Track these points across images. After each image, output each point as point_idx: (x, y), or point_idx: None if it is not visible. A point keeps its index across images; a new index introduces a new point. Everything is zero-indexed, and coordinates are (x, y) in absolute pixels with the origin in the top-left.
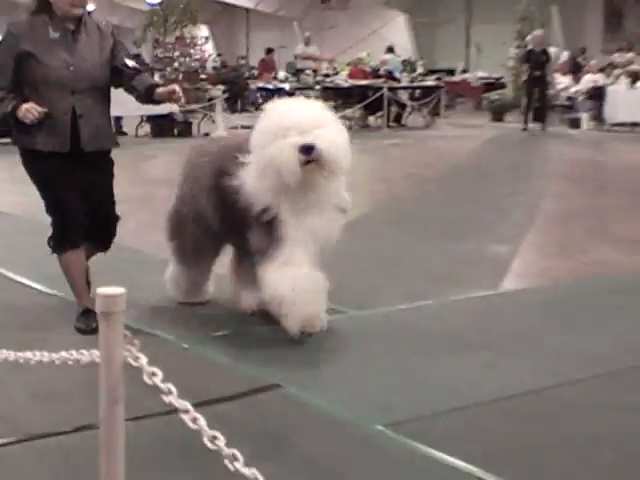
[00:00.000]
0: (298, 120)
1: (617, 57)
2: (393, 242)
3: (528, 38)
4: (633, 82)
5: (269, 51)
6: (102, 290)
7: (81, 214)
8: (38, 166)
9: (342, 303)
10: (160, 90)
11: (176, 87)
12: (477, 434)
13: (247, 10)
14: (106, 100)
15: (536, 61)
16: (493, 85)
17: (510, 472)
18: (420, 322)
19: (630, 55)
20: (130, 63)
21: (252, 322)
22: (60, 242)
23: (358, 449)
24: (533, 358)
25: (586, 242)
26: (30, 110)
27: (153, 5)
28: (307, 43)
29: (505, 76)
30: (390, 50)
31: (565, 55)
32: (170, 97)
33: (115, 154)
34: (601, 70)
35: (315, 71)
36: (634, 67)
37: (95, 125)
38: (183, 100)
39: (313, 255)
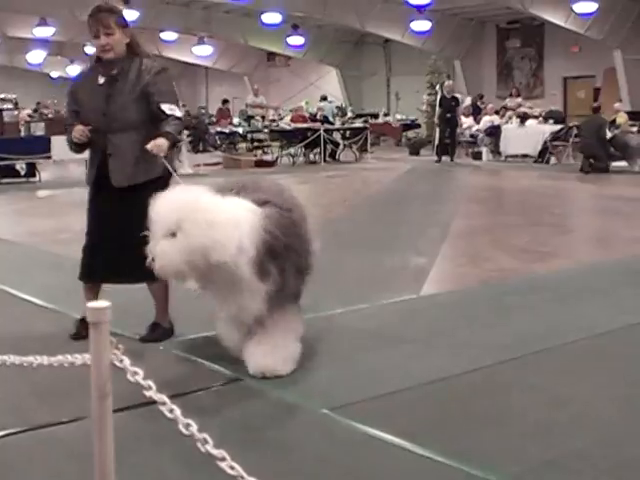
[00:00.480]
0: (163, 216)
1: (508, 101)
2: (329, 256)
3: (437, 87)
4: (522, 122)
5: (225, 101)
6: (91, 304)
7: (103, 248)
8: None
9: None
10: (150, 143)
11: (159, 141)
12: (405, 414)
13: (206, 68)
14: (141, 136)
15: (447, 105)
16: (410, 126)
17: (433, 443)
18: (355, 323)
19: (518, 100)
20: (166, 108)
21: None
22: (79, 274)
23: (308, 430)
24: (448, 349)
25: (489, 252)
26: (77, 130)
27: None
28: (256, 94)
29: (419, 118)
30: (324, 98)
31: (468, 100)
32: (152, 148)
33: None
34: (496, 112)
35: (263, 117)
36: (522, 109)
37: (125, 162)
38: (162, 154)
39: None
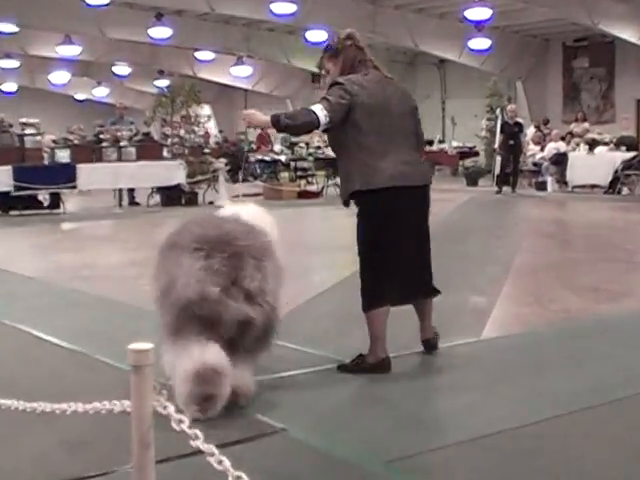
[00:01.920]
0: None
1: (574, 127)
2: None
3: (497, 111)
4: (590, 149)
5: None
6: (133, 346)
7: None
8: None
9: (341, 353)
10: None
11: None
12: (465, 468)
13: (245, 90)
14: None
15: (510, 131)
16: (467, 153)
17: None
18: (410, 368)
19: (586, 125)
20: None
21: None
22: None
23: None
24: (513, 398)
25: (555, 291)
26: None
27: (162, 89)
28: None
29: (477, 145)
30: None
31: (531, 128)
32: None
33: (127, 222)
34: (562, 138)
35: (307, 144)
36: (591, 135)
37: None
38: (250, 126)
39: None
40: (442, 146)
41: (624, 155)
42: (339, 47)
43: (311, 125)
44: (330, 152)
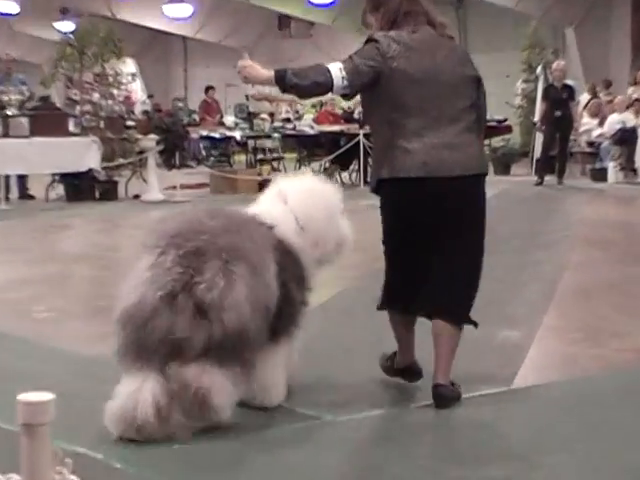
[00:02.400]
0: None
1: (633, 91)
2: (379, 327)
3: (539, 70)
4: None
5: (209, 89)
6: (24, 397)
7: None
8: None
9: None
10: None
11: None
12: None
13: (184, 39)
14: None
15: (556, 98)
16: (496, 129)
17: None
18: (426, 427)
19: None
20: None
21: (198, 435)
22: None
23: None
24: (566, 471)
25: (618, 323)
26: None
27: (66, 34)
28: None
29: (510, 118)
30: None
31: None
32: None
33: (16, 224)
34: (629, 107)
35: (272, 115)
36: None
37: None
38: (245, 80)
39: None
40: None
41: None
42: None
43: (323, 87)
44: (304, 127)
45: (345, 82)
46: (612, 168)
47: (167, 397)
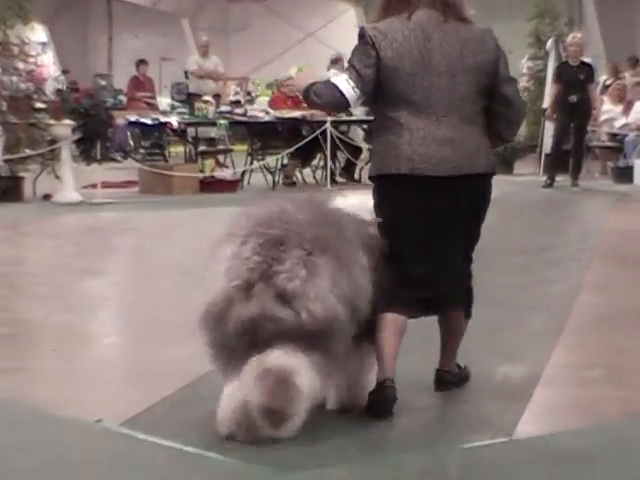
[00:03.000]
0: None
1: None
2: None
3: (549, 44)
4: None
5: (141, 63)
6: None
7: None
8: None
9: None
10: None
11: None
12: None
13: (109, 1)
14: None
15: (571, 80)
16: None
17: None
18: None
19: None
20: None
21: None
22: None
23: None
24: None
25: None
26: None
27: None
28: (205, 53)
29: None
30: (336, 62)
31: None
32: None
33: None
34: None
35: (218, 96)
36: None
37: None
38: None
39: None
40: None
41: None
42: None
43: (340, 103)
44: (257, 112)
45: (357, 91)
46: (639, 166)
47: (247, 390)
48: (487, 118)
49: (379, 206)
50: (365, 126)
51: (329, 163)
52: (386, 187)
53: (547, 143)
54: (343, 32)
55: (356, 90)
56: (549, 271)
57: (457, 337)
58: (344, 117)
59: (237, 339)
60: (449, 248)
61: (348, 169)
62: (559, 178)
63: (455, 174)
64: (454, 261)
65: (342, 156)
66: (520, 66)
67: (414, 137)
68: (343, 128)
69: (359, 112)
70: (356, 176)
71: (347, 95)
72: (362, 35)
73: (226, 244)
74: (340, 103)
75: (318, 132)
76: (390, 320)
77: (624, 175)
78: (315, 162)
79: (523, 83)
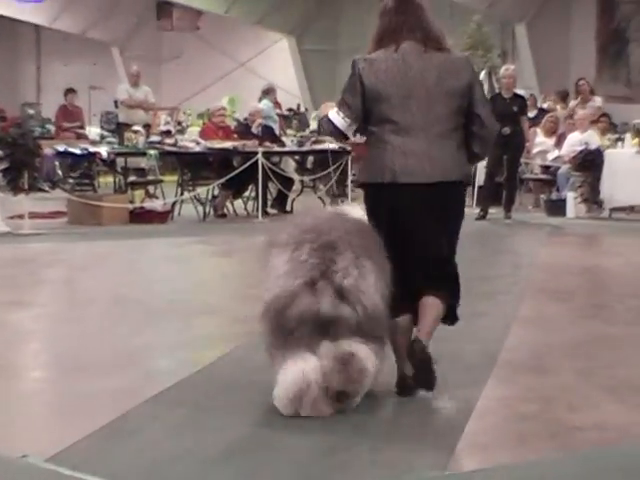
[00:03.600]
0: None
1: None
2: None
3: (482, 74)
4: None
5: (69, 92)
6: None
7: None
8: None
9: None
10: None
11: None
12: None
13: (37, 28)
14: None
15: (504, 112)
16: None
17: None
18: None
19: (596, 101)
20: None
21: None
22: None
23: None
24: None
25: (580, 394)
26: None
27: None
28: (135, 83)
29: None
30: (267, 93)
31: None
32: None
33: None
34: (594, 123)
35: (149, 127)
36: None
37: None
38: None
39: None
40: None
41: None
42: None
43: (336, 135)
44: (188, 143)
45: (347, 120)
46: (572, 199)
47: (324, 373)
48: (464, 136)
49: (368, 210)
50: (297, 157)
51: (260, 194)
52: (373, 193)
53: (480, 175)
54: (275, 62)
55: (346, 120)
56: (481, 304)
57: (431, 320)
58: (275, 148)
59: (299, 325)
60: (433, 240)
61: (280, 200)
62: (492, 210)
63: (431, 181)
64: (439, 249)
65: (274, 187)
66: None
67: (395, 151)
68: (275, 159)
69: (290, 143)
70: (287, 207)
71: (339, 125)
72: (353, 66)
73: (277, 251)
74: (336, 133)
75: (249, 163)
76: (400, 324)
77: (556, 208)
78: (247, 193)
79: None
